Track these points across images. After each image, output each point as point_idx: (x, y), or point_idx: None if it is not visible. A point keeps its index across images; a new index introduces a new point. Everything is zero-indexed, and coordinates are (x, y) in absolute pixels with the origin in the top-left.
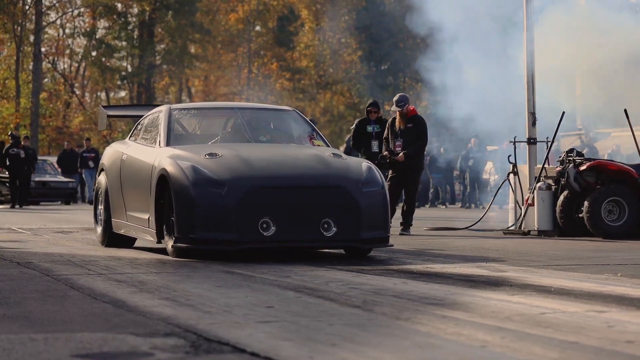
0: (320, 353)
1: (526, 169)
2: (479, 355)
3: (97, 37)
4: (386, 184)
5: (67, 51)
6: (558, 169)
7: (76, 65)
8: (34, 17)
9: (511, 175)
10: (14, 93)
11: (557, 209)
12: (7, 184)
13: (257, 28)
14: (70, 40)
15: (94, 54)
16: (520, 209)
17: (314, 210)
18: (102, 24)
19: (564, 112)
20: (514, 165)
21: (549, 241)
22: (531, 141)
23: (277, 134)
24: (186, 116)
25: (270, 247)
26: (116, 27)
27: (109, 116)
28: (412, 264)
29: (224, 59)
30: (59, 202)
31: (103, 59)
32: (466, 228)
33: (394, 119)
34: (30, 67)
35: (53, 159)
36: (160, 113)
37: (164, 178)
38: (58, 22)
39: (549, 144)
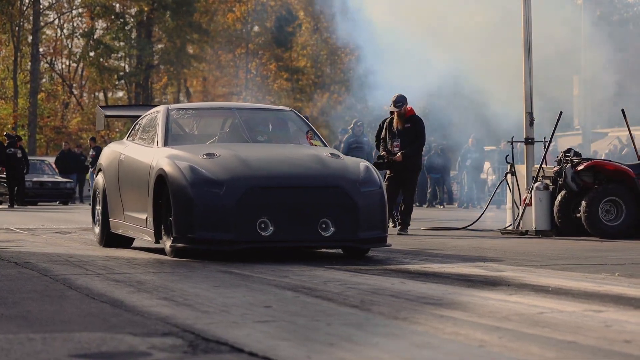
0: (318, 353)
1: (524, 169)
2: (476, 355)
3: (95, 37)
4: (384, 184)
5: (65, 51)
6: (555, 168)
7: (74, 65)
8: (31, 18)
9: (509, 175)
10: (11, 93)
11: (555, 208)
12: (5, 184)
13: (256, 28)
14: (68, 41)
15: (92, 54)
16: (518, 208)
17: (312, 210)
18: (100, 24)
19: (561, 112)
20: (512, 165)
21: (547, 241)
22: (529, 141)
23: (274, 134)
24: (184, 116)
25: (268, 247)
26: (114, 27)
27: (106, 116)
28: (409, 263)
29: (222, 59)
30: (57, 202)
31: (101, 59)
32: (464, 228)
33: (392, 119)
34: (28, 67)
35: (51, 159)
36: (158, 113)
37: (161, 178)
38: (56, 22)
39: (547, 143)
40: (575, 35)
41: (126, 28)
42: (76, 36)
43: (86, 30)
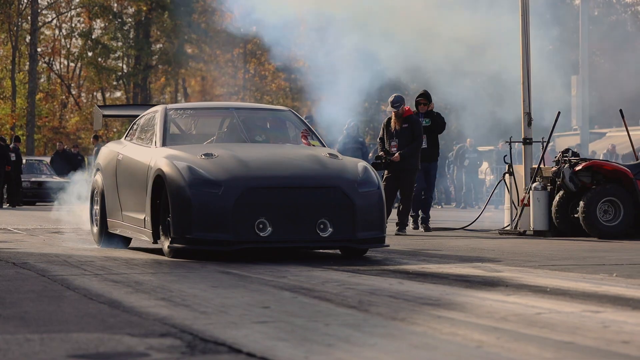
0: (316, 353)
1: (522, 169)
2: (474, 355)
3: (93, 37)
4: (382, 184)
5: (64, 51)
6: (554, 169)
7: (72, 65)
8: (29, 17)
9: (507, 176)
10: (9, 93)
11: (553, 209)
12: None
13: (254, 28)
14: (66, 41)
15: (90, 54)
16: (516, 209)
17: (310, 210)
18: (98, 24)
19: (559, 112)
20: (510, 166)
21: (545, 241)
22: (527, 141)
23: (272, 134)
24: (182, 116)
25: (266, 247)
26: (112, 27)
27: (104, 116)
28: (407, 264)
29: (220, 59)
30: (55, 202)
31: (99, 59)
32: (462, 228)
33: (389, 119)
34: (27, 67)
35: (49, 159)
36: (156, 113)
37: (160, 178)
38: (54, 22)
39: (545, 144)
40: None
41: (124, 28)
42: (74, 36)
43: (84, 30)
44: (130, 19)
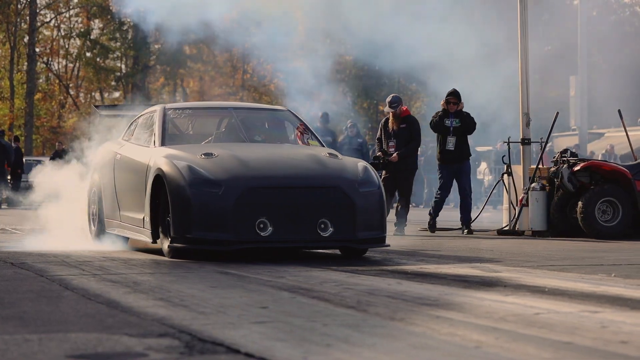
0: (314, 354)
1: (520, 170)
2: (473, 356)
3: (92, 37)
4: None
5: (62, 51)
6: (552, 169)
7: (71, 65)
8: (28, 18)
9: (505, 176)
10: (8, 93)
11: (551, 209)
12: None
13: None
14: (64, 41)
15: (88, 54)
16: (515, 209)
17: (310, 210)
18: (97, 24)
19: (557, 113)
20: (508, 166)
21: (543, 241)
22: (525, 141)
23: (271, 133)
24: (181, 116)
25: (267, 247)
26: (110, 27)
27: (102, 116)
28: (406, 264)
29: (218, 59)
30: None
31: (98, 60)
32: (460, 228)
33: (387, 119)
34: (25, 67)
35: (47, 159)
36: (154, 113)
37: (159, 178)
38: (52, 22)
39: (543, 144)
40: (572, 36)
41: (123, 28)
42: (73, 36)
43: (82, 30)
44: (128, 19)
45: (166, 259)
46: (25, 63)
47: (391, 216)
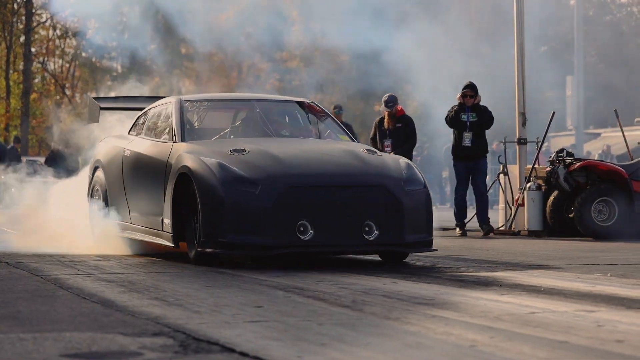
0: (309, 353)
1: (516, 169)
2: (468, 355)
3: (88, 37)
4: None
5: (58, 51)
6: (548, 169)
7: (67, 65)
8: (24, 17)
9: (501, 176)
10: (4, 93)
11: (547, 209)
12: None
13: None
14: (60, 41)
15: (84, 54)
16: (511, 209)
17: (354, 211)
18: (93, 24)
19: (554, 112)
20: (504, 166)
21: (539, 241)
22: (521, 141)
23: (297, 127)
24: (198, 108)
25: (308, 252)
26: (106, 27)
27: (101, 108)
28: (401, 263)
29: (215, 59)
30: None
31: (93, 59)
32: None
33: (382, 118)
34: (21, 67)
35: (43, 160)
36: (168, 105)
37: (185, 176)
38: (48, 22)
39: (539, 144)
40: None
41: (118, 28)
42: (68, 37)
43: (78, 30)
44: (124, 19)
45: (161, 259)
46: (21, 63)
47: None
